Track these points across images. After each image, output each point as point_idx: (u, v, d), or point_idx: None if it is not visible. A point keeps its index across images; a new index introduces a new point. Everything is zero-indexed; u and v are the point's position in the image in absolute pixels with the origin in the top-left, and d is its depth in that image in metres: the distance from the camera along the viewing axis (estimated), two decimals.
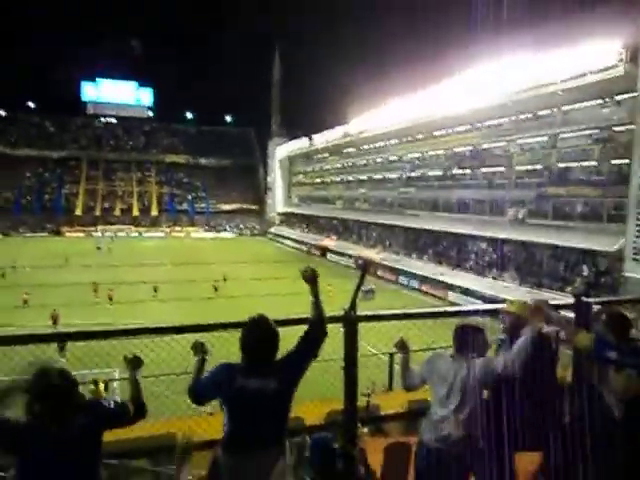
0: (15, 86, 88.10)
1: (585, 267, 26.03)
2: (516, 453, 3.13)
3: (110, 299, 27.65)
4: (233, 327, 2.81)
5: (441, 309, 3.41)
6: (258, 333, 2.58)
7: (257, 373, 2.54)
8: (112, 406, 2.49)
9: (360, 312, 3.00)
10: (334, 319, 2.91)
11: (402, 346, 3.51)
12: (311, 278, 2.73)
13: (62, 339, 2.75)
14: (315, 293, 2.75)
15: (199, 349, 2.77)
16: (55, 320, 21.73)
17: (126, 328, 2.88)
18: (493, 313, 3.62)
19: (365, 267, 3.02)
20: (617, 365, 2.64)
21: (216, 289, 31.11)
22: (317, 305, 2.73)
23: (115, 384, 10.08)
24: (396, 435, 4.77)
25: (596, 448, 2.69)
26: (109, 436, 2.49)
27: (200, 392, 2.69)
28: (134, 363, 2.68)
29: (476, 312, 3.39)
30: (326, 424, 5.41)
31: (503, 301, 3.45)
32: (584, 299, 3.50)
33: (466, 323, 3.21)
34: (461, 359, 3.14)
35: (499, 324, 3.35)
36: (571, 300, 3.59)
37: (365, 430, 3.49)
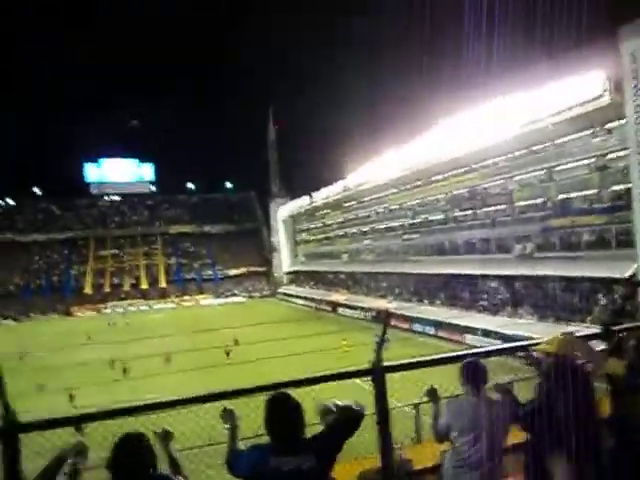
0: (19, 174, 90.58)
1: (602, 296, 25.65)
2: None
3: (124, 372, 27.71)
4: (254, 392, 2.76)
5: (469, 351, 3.34)
6: (281, 412, 2.51)
7: (290, 452, 2.45)
8: None
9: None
10: (361, 373, 2.86)
11: (433, 394, 3.45)
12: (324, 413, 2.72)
13: (82, 421, 2.68)
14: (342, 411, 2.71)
15: (229, 417, 2.71)
16: (71, 397, 21.57)
17: (145, 404, 2.80)
18: (517, 351, 3.55)
19: (387, 318, 2.97)
20: None
21: (228, 354, 30.76)
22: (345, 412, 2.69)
23: None
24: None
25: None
26: None
27: (237, 466, 2.60)
28: (165, 437, 2.63)
29: (504, 350, 3.33)
30: None
31: (526, 339, 3.37)
32: (612, 327, 3.44)
33: (470, 359, 3.24)
34: (474, 393, 3.20)
35: (525, 364, 3.26)
36: (597, 330, 3.53)
37: None
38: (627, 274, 23.54)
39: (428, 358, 3.24)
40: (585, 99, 25.91)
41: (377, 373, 2.86)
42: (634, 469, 2.62)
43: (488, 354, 3.30)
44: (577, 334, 3.03)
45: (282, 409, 2.51)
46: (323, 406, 2.72)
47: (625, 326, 3.83)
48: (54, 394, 21.95)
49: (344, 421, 2.63)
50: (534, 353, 3.13)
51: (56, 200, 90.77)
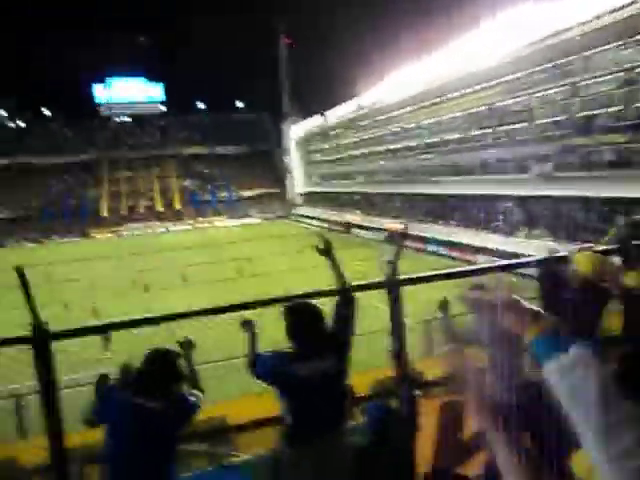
0: (28, 95, 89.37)
1: (621, 217, 25.35)
2: None
3: (145, 289, 29.12)
4: (273, 303, 2.84)
5: (483, 265, 3.36)
6: (308, 317, 2.57)
7: (315, 356, 2.53)
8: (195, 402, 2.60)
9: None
10: (377, 285, 2.92)
11: (444, 306, 3.52)
12: (325, 250, 2.75)
13: (108, 328, 2.79)
14: (333, 264, 2.77)
15: (248, 326, 2.80)
16: (95, 312, 22.58)
17: (168, 314, 2.92)
18: (541, 264, 3.55)
19: (403, 235, 3.01)
20: None
21: (240, 271, 31.73)
22: (338, 274, 2.75)
23: None
24: (444, 398, 4.78)
25: None
26: None
27: (259, 368, 2.69)
28: (188, 346, 2.74)
29: (523, 265, 3.35)
30: (375, 393, 5.47)
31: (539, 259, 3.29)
32: (629, 242, 3.42)
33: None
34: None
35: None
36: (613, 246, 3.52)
37: (418, 392, 3.51)
38: None
39: (441, 272, 3.29)
40: (615, 5, 24.27)
41: (393, 285, 2.92)
42: None
43: (503, 269, 3.31)
44: (594, 249, 3.01)
45: (310, 315, 2.59)
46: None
47: None
48: (80, 311, 22.86)
49: (345, 304, 2.71)
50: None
51: (67, 122, 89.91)
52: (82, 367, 8.83)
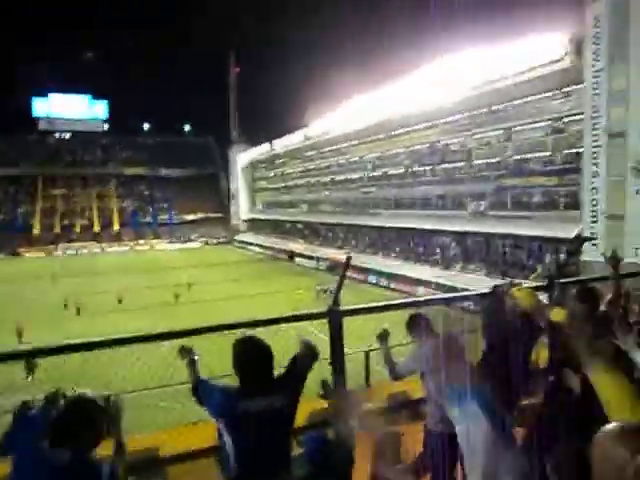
0: None
1: (548, 255, 26.83)
2: None
3: (78, 311, 28.28)
4: (212, 331, 2.84)
5: (423, 298, 3.50)
6: (255, 352, 2.51)
7: (261, 392, 2.47)
8: None
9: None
10: (319, 315, 2.98)
11: (384, 336, 3.62)
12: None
13: (32, 355, 2.69)
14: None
15: (187, 352, 2.76)
16: (20, 333, 21.25)
17: (96, 341, 2.83)
18: (467, 300, 3.76)
19: (347, 265, 3.04)
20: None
21: (177, 297, 31.21)
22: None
23: None
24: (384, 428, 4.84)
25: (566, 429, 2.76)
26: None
27: (207, 401, 2.60)
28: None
29: (461, 299, 3.52)
30: (311, 424, 5.46)
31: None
32: (555, 280, 3.67)
33: (415, 313, 3.38)
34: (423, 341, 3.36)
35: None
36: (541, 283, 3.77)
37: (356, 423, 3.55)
38: (572, 234, 24.63)
39: (382, 303, 3.41)
40: (546, 60, 26.20)
41: (334, 315, 2.99)
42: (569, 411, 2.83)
43: (441, 301, 3.48)
44: (514, 284, 3.20)
45: (253, 350, 2.52)
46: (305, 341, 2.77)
47: (568, 280, 4.10)
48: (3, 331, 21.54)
49: (306, 355, 2.71)
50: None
51: (2, 135, 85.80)
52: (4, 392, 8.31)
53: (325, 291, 27.77)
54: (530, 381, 3.08)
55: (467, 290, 25.22)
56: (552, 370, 3.17)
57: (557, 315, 2.87)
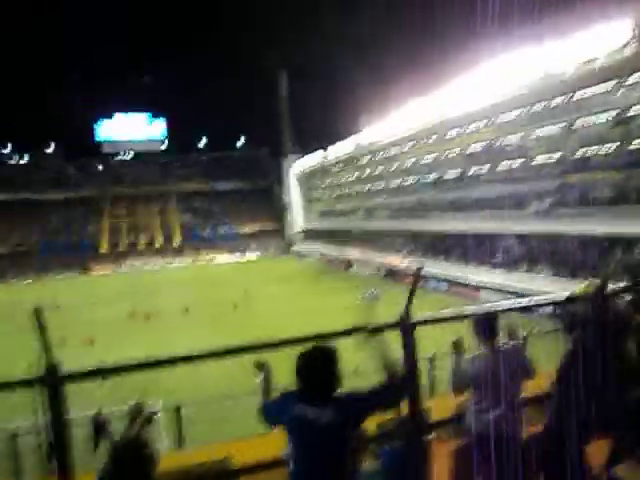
0: (32, 131, 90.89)
1: (619, 253, 25.44)
2: (586, 444, 3.05)
3: (146, 318, 30.16)
4: (284, 345, 2.81)
5: (498, 305, 3.36)
6: (309, 361, 2.51)
7: (313, 402, 2.46)
8: None
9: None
10: (390, 326, 2.91)
11: (458, 346, 3.51)
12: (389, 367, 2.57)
13: (118, 371, 2.76)
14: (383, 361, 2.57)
15: (262, 369, 2.77)
16: (92, 342, 22.94)
17: (177, 357, 2.85)
18: (545, 306, 3.57)
19: (417, 275, 2.97)
20: None
21: (236, 306, 32.09)
22: (388, 362, 2.57)
23: (159, 415, 10.18)
24: (451, 438, 4.69)
25: None
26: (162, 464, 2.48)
27: (267, 415, 2.67)
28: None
29: (540, 305, 3.37)
30: (382, 434, 5.36)
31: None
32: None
33: (487, 312, 3.28)
34: (489, 351, 3.25)
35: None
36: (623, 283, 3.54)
37: (431, 436, 3.46)
38: None
39: (454, 312, 3.29)
40: (610, 49, 25.03)
41: (406, 326, 2.91)
42: None
43: (514, 309, 3.33)
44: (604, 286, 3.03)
45: (310, 359, 2.51)
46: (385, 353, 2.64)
47: None
48: (79, 345, 22.66)
49: (386, 395, 2.57)
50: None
51: (70, 158, 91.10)
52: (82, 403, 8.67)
53: (368, 296, 27.15)
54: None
55: (533, 293, 24.38)
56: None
57: None
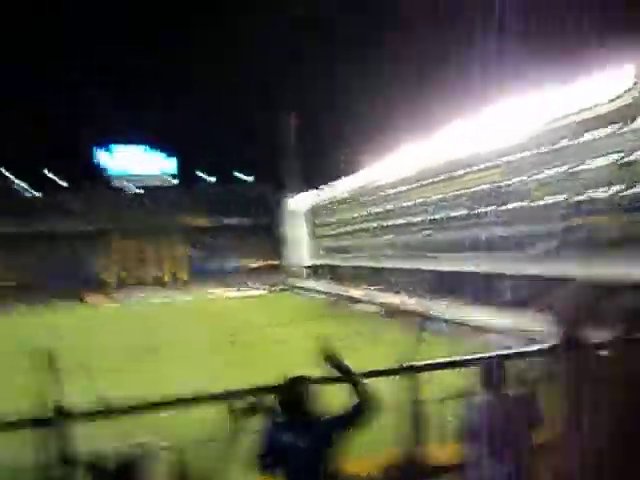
0: (41, 164, 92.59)
1: (622, 297, 25.21)
2: None
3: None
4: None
5: (503, 352, 3.40)
6: (290, 392, 2.68)
7: (292, 429, 2.62)
8: None
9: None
10: (395, 371, 2.95)
11: (465, 393, 3.54)
12: (331, 360, 2.69)
13: (126, 412, 2.82)
14: (345, 374, 2.69)
15: (251, 412, 2.79)
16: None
17: (180, 398, 2.90)
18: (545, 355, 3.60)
19: (423, 323, 3.03)
20: None
21: (233, 343, 31.50)
22: (356, 387, 2.66)
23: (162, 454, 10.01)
24: None
25: None
26: None
27: (261, 458, 2.72)
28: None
29: (536, 353, 3.40)
30: (391, 477, 5.30)
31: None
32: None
33: (492, 359, 3.28)
34: (495, 398, 3.25)
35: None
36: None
37: None
38: None
39: (458, 358, 3.33)
40: (613, 95, 25.57)
41: (409, 372, 2.95)
42: None
43: (522, 355, 3.37)
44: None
45: (290, 387, 2.68)
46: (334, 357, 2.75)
47: None
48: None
49: (357, 415, 2.67)
50: None
51: (78, 191, 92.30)
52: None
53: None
54: None
55: (535, 335, 24.12)
56: None
57: None
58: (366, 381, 2.69)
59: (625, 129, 27.81)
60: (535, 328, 26.20)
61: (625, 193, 28.21)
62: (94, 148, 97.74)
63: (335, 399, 2.75)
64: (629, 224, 27.16)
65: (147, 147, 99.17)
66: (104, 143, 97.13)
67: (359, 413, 2.64)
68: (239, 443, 2.63)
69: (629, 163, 27.84)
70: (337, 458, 2.62)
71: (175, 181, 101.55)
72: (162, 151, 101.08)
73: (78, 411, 2.74)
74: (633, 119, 26.64)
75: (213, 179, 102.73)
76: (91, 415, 2.73)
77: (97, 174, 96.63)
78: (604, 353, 2.79)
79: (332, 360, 2.68)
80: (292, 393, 2.66)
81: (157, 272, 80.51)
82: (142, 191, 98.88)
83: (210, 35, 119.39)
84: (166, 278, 79.35)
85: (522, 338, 26.76)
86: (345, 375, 2.68)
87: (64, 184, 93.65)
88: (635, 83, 24.46)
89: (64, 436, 2.65)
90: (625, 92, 25.00)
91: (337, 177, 67.96)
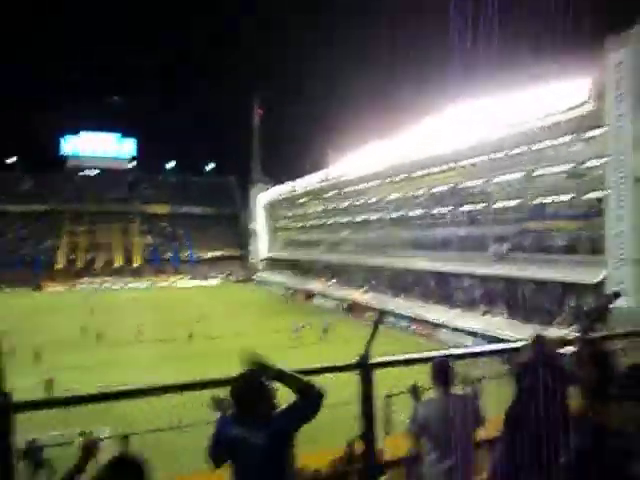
0: None
1: (573, 300, 26.26)
2: None
3: (97, 337, 30.24)
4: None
5: (457, 351, 3.46)
6: (243, 385, 2.60)
7: (246, 424, 2.57)
8: None
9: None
10: (348, 367, 2.95)
11: (415, 392, 3.60)
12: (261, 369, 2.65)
13: (75, 402, 2.72)
14: (277, 379, 2.67)
15: (219, 405, 2.74)
16: (38, 356, 23.39)
17: (141, 388, 2.81)
18: (500, 354, 3.70)
19: (379, 319, 3.06)
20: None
21: (190, 336, 31.41)
22: (295, 383, 2.60)
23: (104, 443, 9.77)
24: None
25: None
26: None
27: (210, 451, 2.68)
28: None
29: (497, 352, 3.48)
30: (334, 473, 5.34)
31: (496, 338, 3.49)
32: (588, 333, 3.56)
33: (444, 358, 3.37)
34: (444, 396, 3.33)
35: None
36: (571, 334, 3.67)
37: (385, 477, 3.49)
38: (596, 280, 24.14)
39: (415, 356, 3.35)
40: (569, 105, 26.42)
41: (365, 368, 2.95)
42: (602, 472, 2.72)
43: (472, 355, 3.43)
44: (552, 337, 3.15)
45: (246, 384, 2.60)
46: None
47: (601, 334, 3.95)
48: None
49: (305, 405, 2.66)
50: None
51: (31, 171, 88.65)
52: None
53: (298, 330, 31.09)
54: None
55: (488, 334, 24.80)
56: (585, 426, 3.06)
57: (590, 373, 2.81)
58: (307, 378, 2.65)
59: (579, 139, 28.92)
60: (486, 327, 27.14)
61: (576, 201, 29.33)
62: (55, 132, 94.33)
63: (290, 394, 2.72)
64: (579, 230, 28.23)
65: (106, 129, 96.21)
66: (61, 124, 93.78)
67: (308, 405, 2.63)
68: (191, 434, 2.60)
69: (581, 173, 28.95)
70: (294, 456, 2.61)
71: (133, 164, 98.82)
72: (123, 136, 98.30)
73: (23, 401, 2.61)
74: (587, 130, 27.67)
75: (173, 164, 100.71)
76: (37, 406, 2.61)
77: (53, 156, 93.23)
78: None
79: (262, 369, 2.63)
80: (243, 387, 2.61)
81: (111, 258, 78.31)
82: (98, 172, 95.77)
83: (185, 20, 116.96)
84: (121, 265, 77.31)
85: (473, 337, 27.61)
86: (278, 380, 2.63)
87: (14, 162, 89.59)
88: (589, 97, 25.38)
89: (8, 426, 2.52)
90: (579, 105, 25.90)
91: (300, 174, 67.93)
